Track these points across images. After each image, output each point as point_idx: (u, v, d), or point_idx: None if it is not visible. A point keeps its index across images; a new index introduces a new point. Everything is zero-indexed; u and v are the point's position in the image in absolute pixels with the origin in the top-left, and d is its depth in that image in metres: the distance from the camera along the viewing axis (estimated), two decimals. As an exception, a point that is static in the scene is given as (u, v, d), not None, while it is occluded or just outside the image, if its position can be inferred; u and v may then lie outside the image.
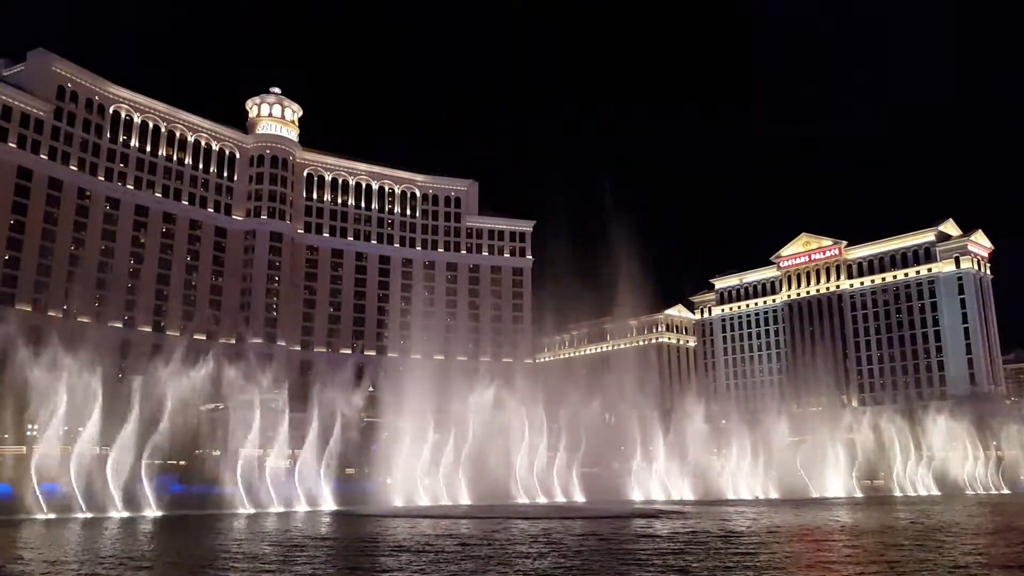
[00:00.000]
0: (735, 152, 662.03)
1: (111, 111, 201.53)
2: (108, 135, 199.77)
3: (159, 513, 74.47)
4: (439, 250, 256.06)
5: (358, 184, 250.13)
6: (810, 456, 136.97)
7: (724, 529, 60.00)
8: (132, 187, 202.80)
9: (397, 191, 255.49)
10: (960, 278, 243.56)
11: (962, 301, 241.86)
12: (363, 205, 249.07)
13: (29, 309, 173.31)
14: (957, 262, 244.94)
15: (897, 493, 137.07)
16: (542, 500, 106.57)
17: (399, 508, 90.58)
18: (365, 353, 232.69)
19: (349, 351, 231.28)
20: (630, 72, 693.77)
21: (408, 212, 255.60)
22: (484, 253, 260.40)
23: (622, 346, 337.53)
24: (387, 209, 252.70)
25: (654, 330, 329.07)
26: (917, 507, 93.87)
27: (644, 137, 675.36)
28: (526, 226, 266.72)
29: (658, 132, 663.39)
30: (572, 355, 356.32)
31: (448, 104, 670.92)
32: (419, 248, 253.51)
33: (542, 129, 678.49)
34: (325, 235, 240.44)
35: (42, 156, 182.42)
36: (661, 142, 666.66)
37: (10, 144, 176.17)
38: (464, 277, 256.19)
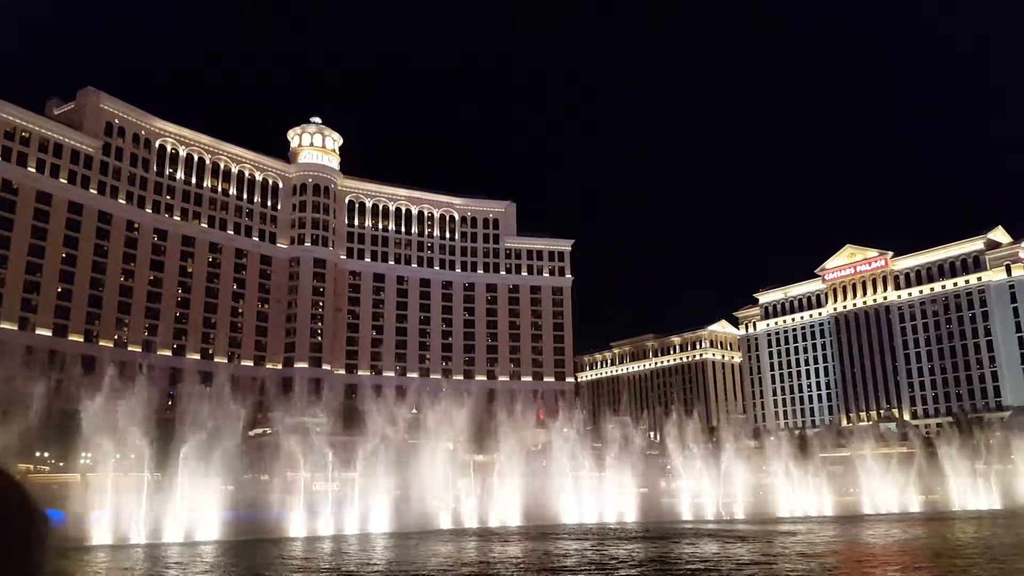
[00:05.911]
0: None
1: (157, 145, 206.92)
2: (155, 168, 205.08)
3: (216, 539, 74.91)
4: (479, 272, 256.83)
5: (398, 209, 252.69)
6: (863, 471, 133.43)
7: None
8: (179, 218, 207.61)
9: (436, 214, 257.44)
10: (1012, 286, 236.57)
11: (1015, 310, 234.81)
12: (403, 229, 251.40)
13: (81, 339, 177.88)
14: (1008, 270, 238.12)
15: (955, 508, 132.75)
16: (589, 521, 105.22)
17: (456, 529, 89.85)
18: (408, 375, 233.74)
19: (392, 373, 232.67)
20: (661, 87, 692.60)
21: (447, 235, 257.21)
22: (523, 273, 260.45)
23: (665, 363, 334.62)
24: (427, 233, 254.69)
25: (698, 346, 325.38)
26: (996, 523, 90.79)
27: (675, 151, 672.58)
28: (565, 245, 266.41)
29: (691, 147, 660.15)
30: (614, 373, 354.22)
31: (485, 125, 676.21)
32: (459, 270, 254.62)
33: (581, 145, 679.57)
34: (367, 260, 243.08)
35: (91, 191, 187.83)
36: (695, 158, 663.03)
37: (61, 180, 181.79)
38: (504, 298, 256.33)
